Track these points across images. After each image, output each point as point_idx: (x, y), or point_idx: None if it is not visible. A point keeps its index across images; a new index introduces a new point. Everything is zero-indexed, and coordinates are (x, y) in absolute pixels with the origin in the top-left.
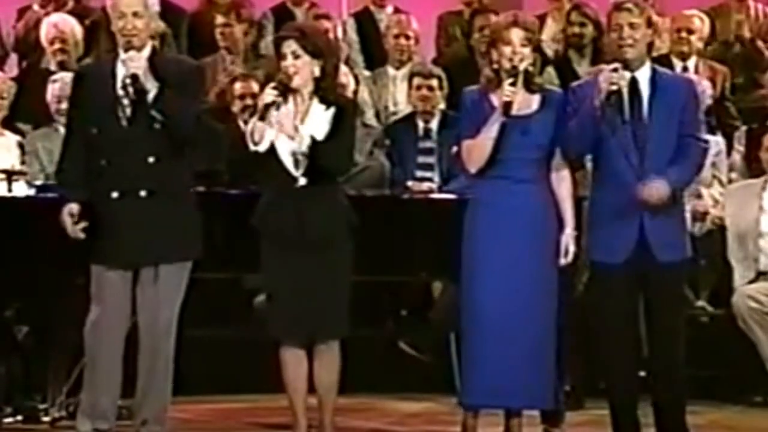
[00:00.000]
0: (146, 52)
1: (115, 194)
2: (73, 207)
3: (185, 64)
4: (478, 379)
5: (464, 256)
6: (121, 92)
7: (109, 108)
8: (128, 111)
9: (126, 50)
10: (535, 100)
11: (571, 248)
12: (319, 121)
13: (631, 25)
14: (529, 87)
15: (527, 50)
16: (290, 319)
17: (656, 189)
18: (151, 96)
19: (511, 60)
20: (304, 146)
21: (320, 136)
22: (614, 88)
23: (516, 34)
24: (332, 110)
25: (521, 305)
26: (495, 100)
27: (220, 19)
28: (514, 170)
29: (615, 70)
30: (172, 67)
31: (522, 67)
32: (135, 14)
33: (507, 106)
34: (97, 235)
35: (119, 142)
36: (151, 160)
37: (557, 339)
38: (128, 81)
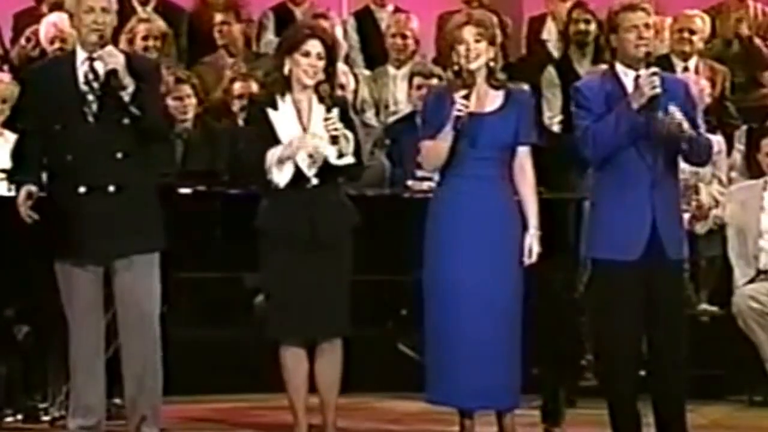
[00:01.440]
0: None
1: (82, 189)
2: (32, 188)
3: (148, 61)
4: (438, 377)
5: (425, 253)
6: (84, 88)
7: (73, 104)
8: (94, 107)
9: (97, 45)
10: (498, 98)
11: (535, 248)
12: (322, 121)
13: (646, 26)
14: (492, 83)
15: (482, 46)
16: (293, 318)
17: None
18: (128, 93)
19: (467, 58)
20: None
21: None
22: (657, 91)
23: (468, 32)
24: (335, 111)
25: (482, 304)
26: (458, 98)
27: (218, 17)
28: (475, 168)
29: (654, 74)
30: (138, 63)
31: (476, 64)
32: (103, 9)
33: (457, 120)
34: (62, 233)
35: (86, 138)
36: (119, 155)
37: (554, 338)
38: (95, 75)
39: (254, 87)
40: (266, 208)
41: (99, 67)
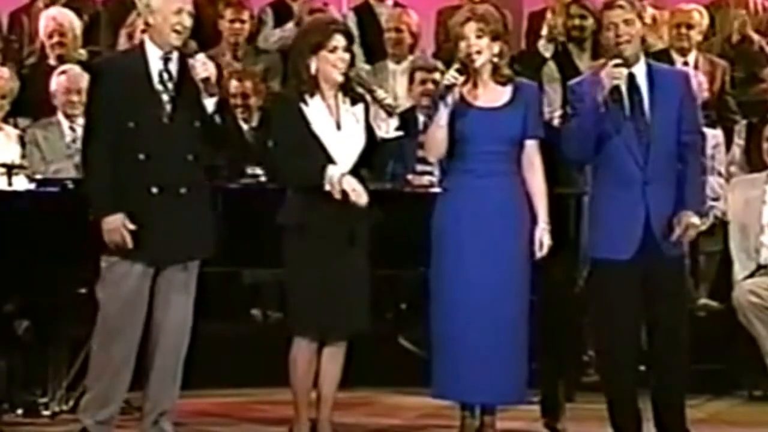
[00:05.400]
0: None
1: (155, 189)
2: (122, 217)
3: None
4: (444, 372)
5: (433, 248)
6: (159, 87)
7: (148, 103)
8: (168, 107)
9: (173, 47)
10: (506, 93)
11: (546, 242)
12: (352, 117)
13: (626, 22)
14: (497, 79)
15: (484, 42)
16: (322, 314)
17: (691, 225)
18: (214, 102)
19: (468, 54)
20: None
21: (362, 133)
22: (617, 82)
23: (470, 28)
24: (360, 106)
25: (490, 299)
26: (465, 93)
27: (229, 14)
28: (483, 163)
29: (618, 65)
30: None
31: (479, 60)
32: (190, 14)
33: (446, 89)
34: (128, 230)
35: (160, 138)
36: (189, 157)
37: (554, 333)
38: (170, 75)
39: (248, 86)
40: (297, 204)
41: (173, 67)
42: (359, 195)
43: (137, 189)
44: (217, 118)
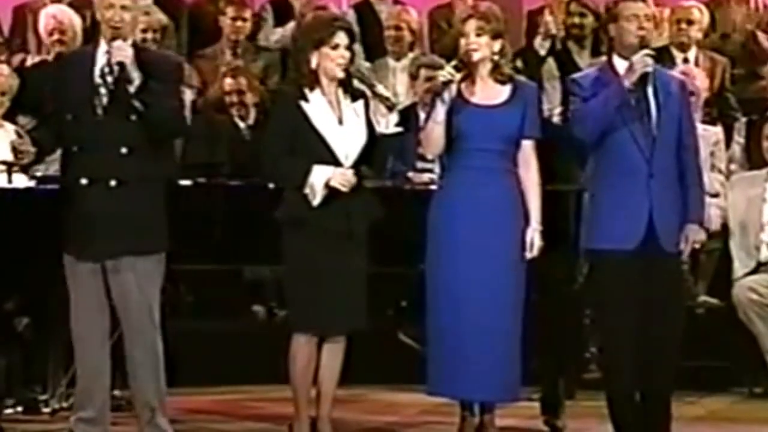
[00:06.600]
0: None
1: (84, 181)
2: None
3: (169, 59)
4: (439, 369)
5: (429, 244)
6: (99, 80)
7: (86, 96)
8: (105, 100)
9: (111, 41)
10: (505, 91)
11: (537, 243)
12: (353, 113)
13: (646, 16)
14: (497, 78)
15: (484, 39)
16: (321, 310)
17: (698, 237)
18: (134, 86)
19: (466, 51)
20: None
21: (363, 129)
22: (648, 69)
23: (470, 25)
24: (361, 102)
25: (484, 296)
26: (463, 90)
27: (231, 12)
28: (480, 160)
29: (648, 54)
30: (155, 60)
31: (476, 56)
32: (123, 7)
33: (442, 86)
34: (66, 226)
35: (92, 131)
36: (123, 150)
37: (554, 330)
38: (110, 69)
39: (243, 83)
40: (295, 200)
41: (101, 60)
42: (349, 182)
43: (71, 181)
44: (137, 104)
